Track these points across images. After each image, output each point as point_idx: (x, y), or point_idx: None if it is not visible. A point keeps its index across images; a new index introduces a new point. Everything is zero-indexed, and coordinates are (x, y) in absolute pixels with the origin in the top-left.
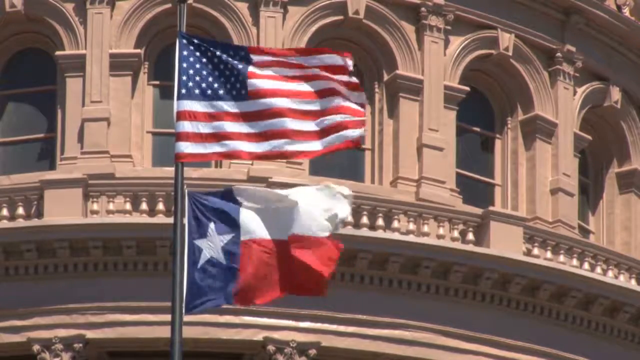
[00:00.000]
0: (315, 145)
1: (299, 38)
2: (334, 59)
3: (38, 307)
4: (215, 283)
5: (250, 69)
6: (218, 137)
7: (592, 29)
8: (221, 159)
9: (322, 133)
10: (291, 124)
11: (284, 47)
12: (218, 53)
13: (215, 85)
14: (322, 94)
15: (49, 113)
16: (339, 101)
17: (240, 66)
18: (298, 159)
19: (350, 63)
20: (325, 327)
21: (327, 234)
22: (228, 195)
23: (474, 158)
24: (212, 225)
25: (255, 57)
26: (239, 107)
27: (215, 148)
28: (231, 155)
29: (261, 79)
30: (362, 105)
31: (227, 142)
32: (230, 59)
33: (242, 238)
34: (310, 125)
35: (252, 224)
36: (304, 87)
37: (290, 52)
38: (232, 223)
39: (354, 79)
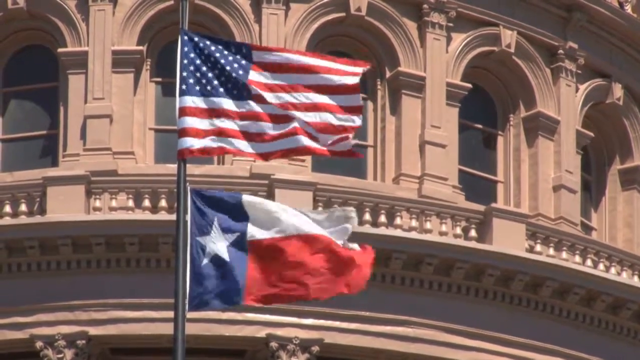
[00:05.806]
0: (317, 143)
1: (301, 35)
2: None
3: (41, 303)
4: (221, 283)
5: (251, 75)
6: (220, 132)
7: (594, 25)
8: (223, 154)
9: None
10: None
11: (285, 44)
12: (219, 53)
13: (215, 82)
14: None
15: (52, 110)
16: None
17: (241, 72)
18: (298, 155)
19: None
20: (328, 323)
21: (341, 242)
22: (234, 196)
23: (477, 155)
24: (216, 222)
25: (256, 56)
26: (239, 107)
27: (217, 143)
28: (233, 151)
29: (263, 91)
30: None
31: (229, 138)
32: (231, 60)
33: (249, 238)
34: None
35: (260, 221)
36: (309, 98)
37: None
38: (238, 220)
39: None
